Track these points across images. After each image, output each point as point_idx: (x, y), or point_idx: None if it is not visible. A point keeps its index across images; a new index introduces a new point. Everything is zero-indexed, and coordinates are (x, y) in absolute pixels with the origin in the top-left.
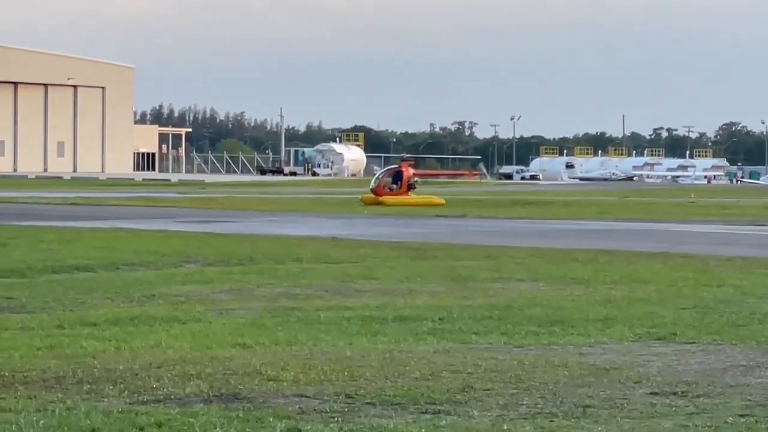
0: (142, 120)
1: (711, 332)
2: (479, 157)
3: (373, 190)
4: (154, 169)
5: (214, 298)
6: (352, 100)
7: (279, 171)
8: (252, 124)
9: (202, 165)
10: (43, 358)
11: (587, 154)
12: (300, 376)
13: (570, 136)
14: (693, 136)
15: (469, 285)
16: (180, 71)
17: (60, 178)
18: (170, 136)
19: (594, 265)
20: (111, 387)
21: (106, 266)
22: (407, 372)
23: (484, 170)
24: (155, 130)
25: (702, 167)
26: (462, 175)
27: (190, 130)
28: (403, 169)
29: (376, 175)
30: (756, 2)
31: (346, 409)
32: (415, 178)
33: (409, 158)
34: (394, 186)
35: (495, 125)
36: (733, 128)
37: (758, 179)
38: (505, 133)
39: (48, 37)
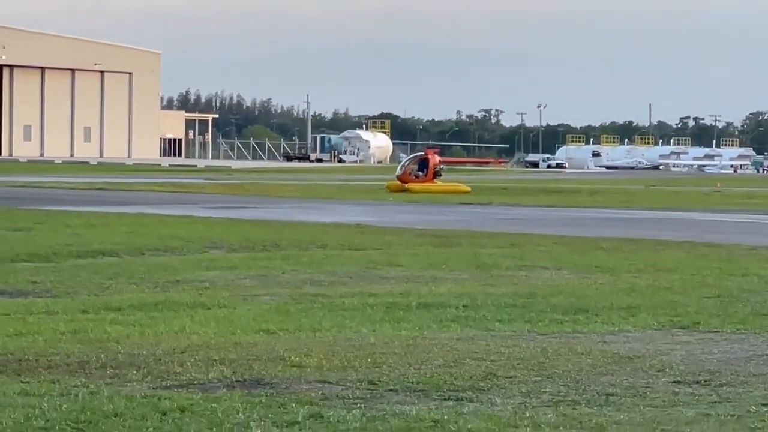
0: (168, 106)
1: (734, 321)
2: (507, 145)
3: (399, 177)
4: (180, 155)
5: (238, 284)
6: (379, 88)
7: (305, 158)
8: (279, 111)
9: (229, 151)
10: (67, 342)
11: (614, 142)
12: (323, 363)
13: (596, 124)
14: (720, 125)
15: (493, 273)
16: (207, 57)
17: (86, 163)
18: (197, 122)
19: (618, 254)
20: (134, 372)
21: (131, 251)
22: (430, 359)
23: (507, 159)
24: (182, 116)
25: (728, 156)
26: (488, 163)
27: (217, 116)
28: (429, 157)
29: (402, 162)
30: None
31: (368, 396)
32: (441, 166)
33: (435, 146)
34: (420, 173)
35: (521, 113)
36: (760, 117)
37: None
38: (531, 121)
39: (75, 23)
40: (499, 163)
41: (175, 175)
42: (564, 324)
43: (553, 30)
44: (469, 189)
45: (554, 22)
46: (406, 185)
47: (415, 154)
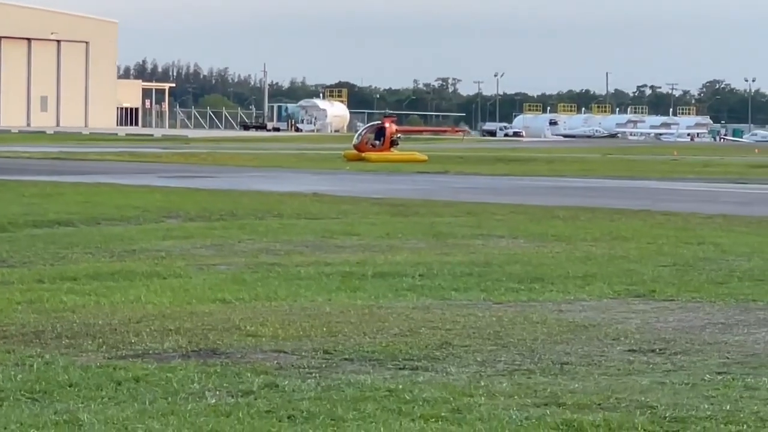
0: (125, 75)
1: (690, 290)
2: (463, 114)
3: (356, 146)
4: (137, 124)
5: (194, 254)
6: (337, 57)
7: (262, 127)
8: (236, 80)
9: (186, 120)
10: (23, 312)
11: (571, 111)
12: (279, 332)
13: (554, 93)
14: (677, 93)
15: (449, 241)
16: (164, 26)
17: (43, 132)
18: (153, 91)
19: (575, 222)
20: (90, 342)
21: (87, 221)
22: (386, 328)
23: (467, 128)
24: (139, 85)
25: (685, 125)
26: (445, 131)
27: (174, 85)
28: (386, 126)
29: (359, 132)
30: None
31: (323, 365)
32: (398, 135)
33: (392, 114)
34: (377, 142)
35: (479, 82)
36: (717, 86)
37: (741, 137)
38: (488, 90)
39: None
40: (456, 132)
41: (131, 144)
42: (520, 293)
43: None
44: (425, 158)
45: None
46: (363, 154)
47: (371, 123)
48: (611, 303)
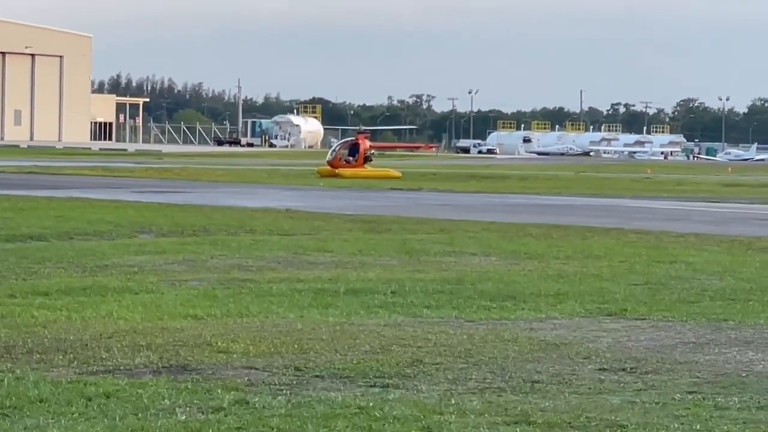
0: (99, 89)
1: (662, 309)
2: (431, 132)
3: (329, 162)
4: (111, 139)
5: (166, 269)
6: (311, 72)
7: (236, 142)
8: (210, 95)
9: (159, 135)
10: None
11: (544, 128)
12: (250, 348)
13: (527, 110)
14: (650, 111)
15: (422, 258)
16: (138, 41)
17: (16, 146)
18: (128, 105)
19: (547, 240)
20: (61, 357)
21: (59, 235)
22: (357, 345)
23: (440, 146)
24: (113, 99)
25: (659, 143)
26: (418, 147)
27: (148, 100)
28: (360, 142)
29: (333, 147)
30: None
31: (294, 382)
32: (372, 151)
33: (366, 130)
34: (351, 158)
35: (453, 99)
36: (691, 105)
37: (715, 156)
38: (463, 107)
39: (5, 5)
40: (430, 148)
41: (105, 159)
42: (491, 311)
43: (484, 15)
44: (399, 174)
45: (486, 8)
46: (337, 170)
47: (345, 140)
48: (583, 321)
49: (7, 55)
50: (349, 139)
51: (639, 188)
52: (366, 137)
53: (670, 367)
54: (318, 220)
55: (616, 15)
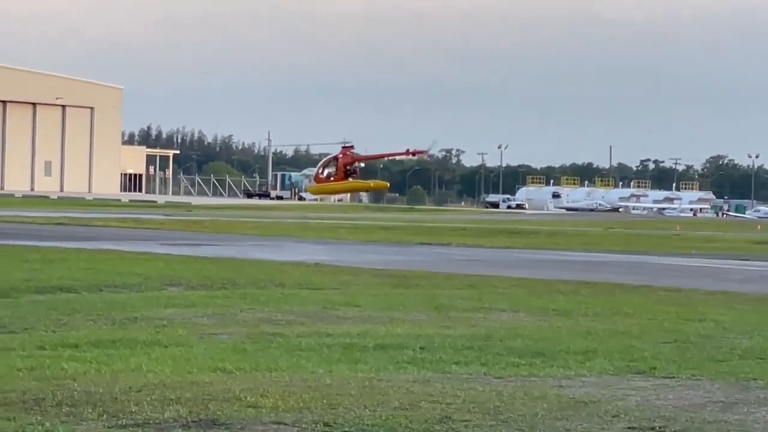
0: (130, 141)
1: (690, 367)
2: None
3: (314, 179)
4: (140, 191)
5: (196, 322)
6: (340, 125)
7: (266, 195)
8: (240, 147)
9: (189, 187)
10: (24, 379)
11: (574, 184)
12: (279, 403)
13: (557, 165)
14: (680, 168)
15: (450, 314)
16: (169, 93)
17: (46, 197)
18: (158, 157)
19: (576, 297)
20: (90, 410)
21: (89, 287)
22: (386, 401)
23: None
24: (143, 151)
25: (688, 200)
26: (405, 154)
27: (178, 152)
28: (340, 157)
29: (317, 166)
30: (744, 37)
31: None
32: (356, 164)
33: (351, 145)
34: (333, 173)
35: (482, 153)
36: (720, 161)
37: (744, 213)
38: (492, 162)
39: (37, 57)
40: (421, 153)
41: (134, 210)
42: (520, 367)
43: (514, 70)
44: (386, 184)
45: (517, 63)
46: (318, 185)
47: (327, 157)
48: (611, 379)
49: (38, 105)
50: (330, 155)
51: (668, 245)
52: (349, 150)
53: (699, 426)
54: (347, 274)
55: (646, 70)
